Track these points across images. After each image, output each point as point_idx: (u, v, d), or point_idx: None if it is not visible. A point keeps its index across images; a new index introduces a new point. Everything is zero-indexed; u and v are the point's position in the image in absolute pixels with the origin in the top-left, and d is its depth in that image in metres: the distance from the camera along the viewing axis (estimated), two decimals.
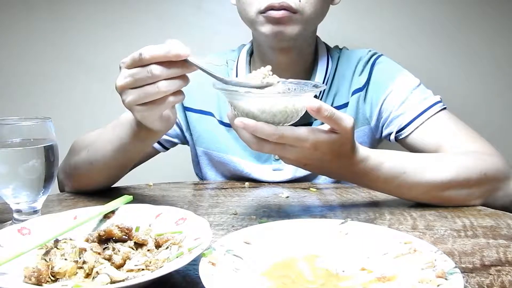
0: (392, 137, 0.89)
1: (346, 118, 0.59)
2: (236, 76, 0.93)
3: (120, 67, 0.59)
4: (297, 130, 0.57)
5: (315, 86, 0.60)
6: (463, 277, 0.44)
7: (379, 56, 0.93)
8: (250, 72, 0.88)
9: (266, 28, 0.81)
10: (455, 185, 0.70)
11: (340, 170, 0.65)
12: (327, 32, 0.96)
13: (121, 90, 0.59)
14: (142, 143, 0.71)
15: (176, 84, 0.57)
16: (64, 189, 0.87)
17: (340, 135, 0.59)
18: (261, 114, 0.56)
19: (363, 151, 0.66)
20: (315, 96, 0.67)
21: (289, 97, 0.57)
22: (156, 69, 0.55)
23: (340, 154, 0.62)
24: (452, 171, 0.70)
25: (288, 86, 0.61)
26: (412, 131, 0.84)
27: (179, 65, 0.56)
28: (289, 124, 0.58)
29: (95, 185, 0.83)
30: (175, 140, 0.98)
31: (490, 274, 0.48)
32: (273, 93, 0.58)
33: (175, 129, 0.96)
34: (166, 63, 0.55)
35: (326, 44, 0.96)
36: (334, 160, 0.62)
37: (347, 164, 0.64)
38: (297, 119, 0.59)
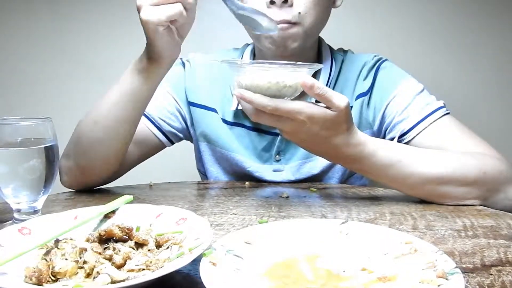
0: (395, 141, 0.89)
1: (339, 96, 0.62)
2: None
3: None
4: (292, 102, 0.60)
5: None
6: (464, 277, 0.44)
7: (384, 61, 0.93)
8: None
9: (268, 41, 0.83)
10: (452, 181, 0.70)
11: (336, 150, 0.67)
12: (329, 34, 0.96)
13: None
14: (147, 80, 0.71)
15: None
16: (64, 178, 0.82)
17: (336, 113, 0.62)
18: (259, 86, 0.59)
19: (361, 136, 0.68)
20: None
21: (286, 70, 0.60)
22: None
23: (336, 133, 0.64)
24: (449, 166, 0.71)
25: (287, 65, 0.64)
26: (415, 136, 0.84)
27: None
28: (287, 98, 0.61)
29: (100, 158, 0.78)
30: (180, 135, 0.97)
31: (491, 274, 0.48)
32: (270, 66, 0.61)
33: (181, 123, 0.96)
34: None
35: (330, 47, 0.96)
36: (330, 138, 0.64)
37: (343, 144, 0.66)
38: (295, 95, 0.62)
